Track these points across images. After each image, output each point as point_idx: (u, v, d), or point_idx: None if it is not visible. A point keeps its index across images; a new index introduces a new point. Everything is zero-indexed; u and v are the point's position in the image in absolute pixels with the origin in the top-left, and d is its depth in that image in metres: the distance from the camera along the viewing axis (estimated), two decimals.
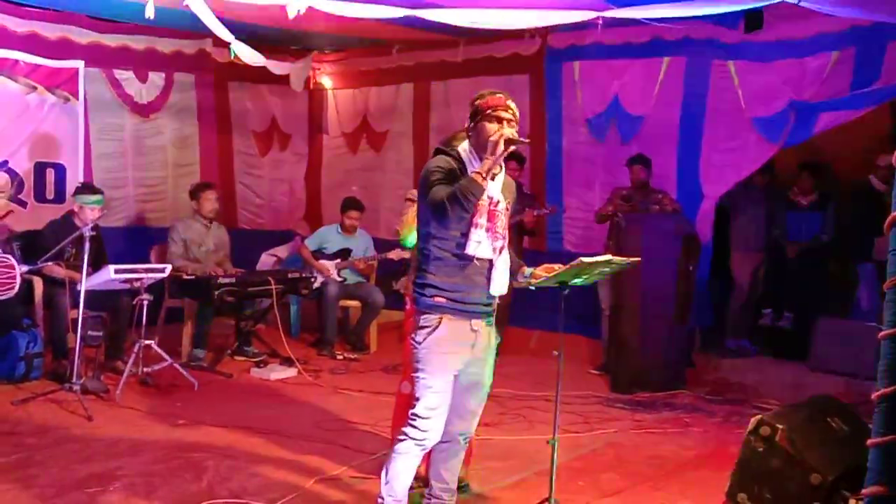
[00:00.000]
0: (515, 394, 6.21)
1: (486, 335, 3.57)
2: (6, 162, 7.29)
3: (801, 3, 4.68)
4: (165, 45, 8.36)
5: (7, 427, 5.04)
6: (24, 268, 5.80)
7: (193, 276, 6.85)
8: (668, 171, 7.35)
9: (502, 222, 3.50)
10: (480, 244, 3.39)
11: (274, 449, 4.86)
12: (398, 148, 9.29)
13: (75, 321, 5.56)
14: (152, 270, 5.90)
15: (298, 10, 4.65)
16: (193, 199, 7.28)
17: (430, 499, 3.75)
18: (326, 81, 9.80)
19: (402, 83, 9.13)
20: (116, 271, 5.70)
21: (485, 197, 3.37)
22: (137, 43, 8.13)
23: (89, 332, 5.81)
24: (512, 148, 3.35)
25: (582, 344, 7.54)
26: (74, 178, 7.62)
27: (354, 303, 7.93)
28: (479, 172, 3.28)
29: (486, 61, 8.30)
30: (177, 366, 6.22)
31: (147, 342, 6.02)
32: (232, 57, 6.46)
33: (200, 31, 7.34)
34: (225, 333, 7.54)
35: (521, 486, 4.39)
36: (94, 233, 5.63)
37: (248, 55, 6.44)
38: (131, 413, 5.48)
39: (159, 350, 6.13)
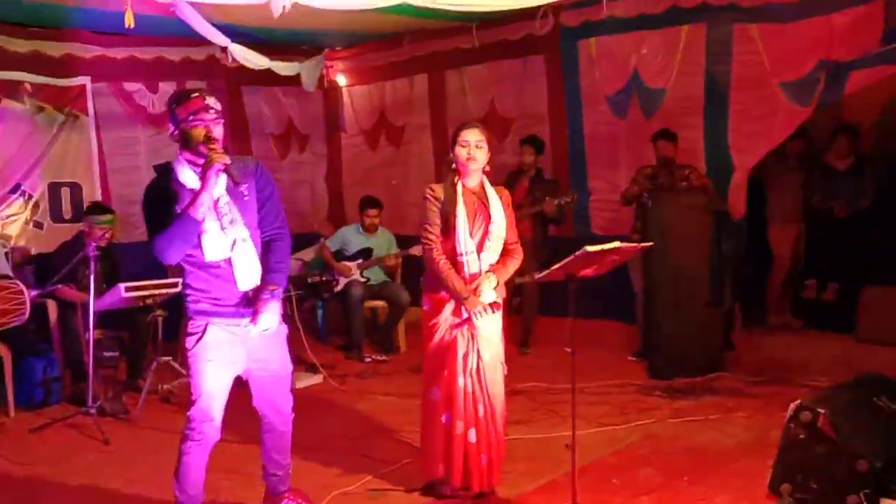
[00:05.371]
0: (547, 387, 5.97)
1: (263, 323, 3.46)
2: (19, 185, 7.24)
3: None
4: (174, 54, 8.23)
5: (21, 457, 4.93)
6: (34, 292, 5.70)
7: None
8: (695, 144, 7.01)
9: (230, 216, 3.39)
10: (216, 249, 3.35)
11: (293, 462, 4.67)
12: (418, 141, 9.06)
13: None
14: (163, 286, 5.74)
15: (284, 7, 4.43)
16: None
17: (269, 477, 3.90)
18: (340, 79, 9.60)
19: (416, 74, 8.91)
20: (126, 289, 5.57)
21: (206, 198, 3.27)
22: (145, 53, 8.01)
23: (104, 353, 5.71)
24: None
25: (618, 330, 7.28)
26: (91, 195, 7.58)
27: (380, 303, 7.73)
28: (194, 207, 3.23)
29: (500, 45, 8.03)
30: None
31: (165, 359, 5.90)
32: (230, 61, 6.30)
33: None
34: None
35: (549, 488, 4.16)
36: (97, 252, 5.49)
37: (250, 58, 6.27)
38: (151, 433, 5.36)
39: (177, 366, 6.00)
